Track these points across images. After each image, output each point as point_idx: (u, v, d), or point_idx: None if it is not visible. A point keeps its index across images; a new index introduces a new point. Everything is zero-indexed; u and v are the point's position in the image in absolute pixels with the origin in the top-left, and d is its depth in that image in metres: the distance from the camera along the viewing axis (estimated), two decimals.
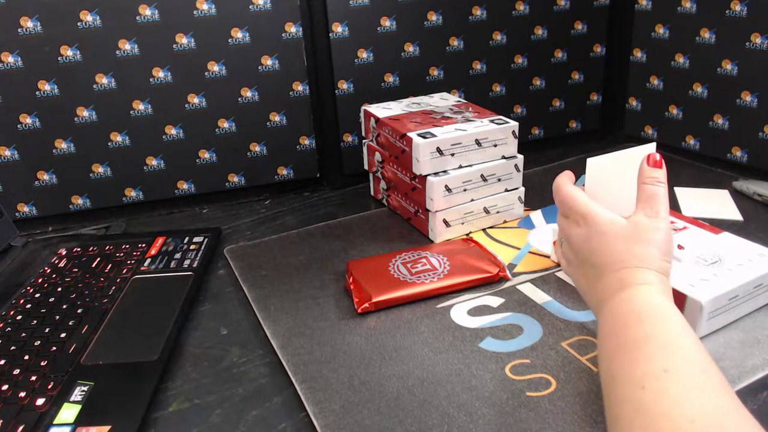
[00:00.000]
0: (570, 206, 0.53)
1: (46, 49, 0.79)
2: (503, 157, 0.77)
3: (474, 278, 0.65)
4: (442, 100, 0.88)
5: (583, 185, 0.57)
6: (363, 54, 0.91)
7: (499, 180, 0.77)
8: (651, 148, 0.56)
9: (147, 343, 0.58)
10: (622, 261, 0.48)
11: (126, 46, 0.81)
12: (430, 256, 0.69)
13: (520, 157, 0.78)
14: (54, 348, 0.58)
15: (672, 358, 0.40)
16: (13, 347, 0.58)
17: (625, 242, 0.48)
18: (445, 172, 0.74)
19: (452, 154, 0.74)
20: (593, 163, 0.57)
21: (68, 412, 0.49)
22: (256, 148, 0.92)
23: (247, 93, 0.88)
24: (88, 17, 0.79)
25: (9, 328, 0.61)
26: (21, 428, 0.48)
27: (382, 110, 0.84)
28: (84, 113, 0.83)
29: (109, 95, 0.83)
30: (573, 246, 0.53)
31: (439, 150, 0.73)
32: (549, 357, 0.54)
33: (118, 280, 0.69)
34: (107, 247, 0.77)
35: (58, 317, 0.62)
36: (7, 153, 0.82)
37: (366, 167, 0.90)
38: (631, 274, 0.47)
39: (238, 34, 0.85)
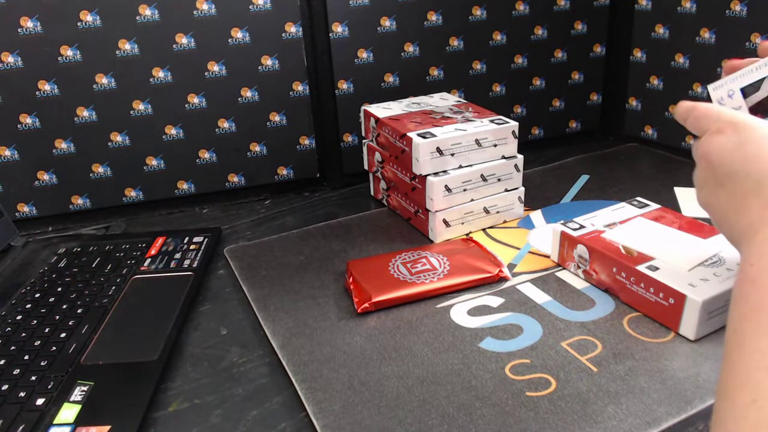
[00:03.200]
0: (713, 118, 0.45)
1: (46, 49, 0.79)
2: (503, 157, 0.77)
3: (474, 278, 0.65)
4: (442, 100, 0.88)
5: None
6: (363, 54, 0.91)
7: (499, 180, 0.77)
8: None
9: (147, 343, 0.58)
10: None
11: (126, 46, 0.81)
12: (430, 256, 0.69)
13: (520, 157, 0.78)
14: (54, 348, 0.58)
15: None
16: (13, 347, 0.58)
17: None
18: (445, 172, 0.74)
19: (452, 154, 0.74)
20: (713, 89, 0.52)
21: (68, 412, 0.49)
22: (256, 148, 0.92)
23: (247, 93, 0.88)
24: (88, 17, 0.79)
25: (9, 328, 0.61)
26: (21, 428, 0.48)
27: (382, 110, 0.84)
28: (84, 113, 0.83)
29: (109, 95, 0.83)
30: (713, 161, 0.43)
31: (439, 150, 0.73)
32: (549, 357, 0.54)
33: (118, 280, 0.69)
34: (107, 247, 0.77)
35: (58, 317, 0.62)
36: (7, 153, 0.82)
37: (366, 167, 0.90)
38: None
39: (238, 34, 0.85)
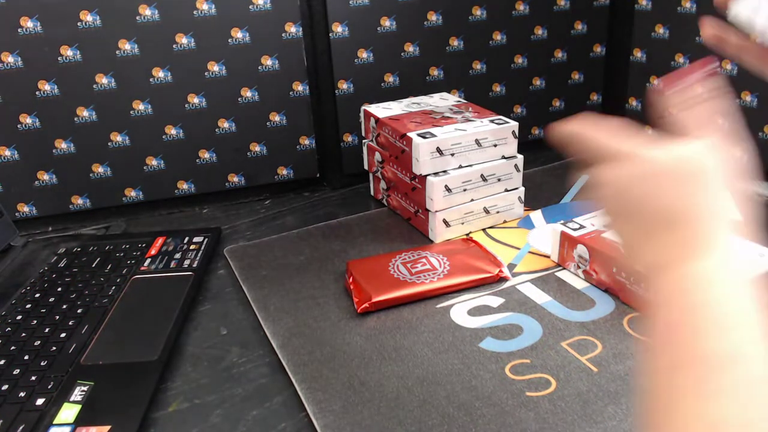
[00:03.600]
0: (609, 147, 0.40)
1: (46, 49, 0.79)
2: (503, 157, 0.77)
3: (474, 278, 0.65)
4: (442, 100, 0.88)
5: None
6: (363, 54, 0.91)
7: (499, 180, 0.77)
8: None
9: (147, 343, 0.58)
10: (684, 211, 0.35)
11: (126, 46, 0.81)
12: (430, 256, 0.69)
13: (520, 157, 0.78)
14: (54, 348, 0.58)
15: None
16: (13, 347, 0.58)
17: (681, 184, 0.35)
18: (445, 172, 0.74)
19: (452, 154, 0.74)
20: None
21: (68, 412, 0.49)
22: (256, 148, 0.92)
23: (247, 93, 0.88)
24: (88, 17, 0.79)
25: (9, 328, 0.61)
26: (21, 428, 0.48)
27: (382, 110, 0.84)
28: (84, 113, 0.83)
29: (109, 95, 0.83)
30: (618, 192, 0.39)
31: (439, 150, 0.73)
32: (549, 357, 0.54)
33: (118, 280, 0.69)
34: (107, 247, 0.77)
35: (58, 317, 0.62)
36: (7, 153, 0.82)
37: (366, 167, 0.90)
38: (696, 233, 0.34)
39: (238, 34, 0.85)
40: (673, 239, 0.35)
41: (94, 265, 0.73)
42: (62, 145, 0.84)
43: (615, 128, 0.40)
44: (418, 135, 0.73)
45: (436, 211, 0.74)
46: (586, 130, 0.41)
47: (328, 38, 0.89)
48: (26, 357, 0.56)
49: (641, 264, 0.38)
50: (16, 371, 0.55)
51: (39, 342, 0.59)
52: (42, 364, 0.55)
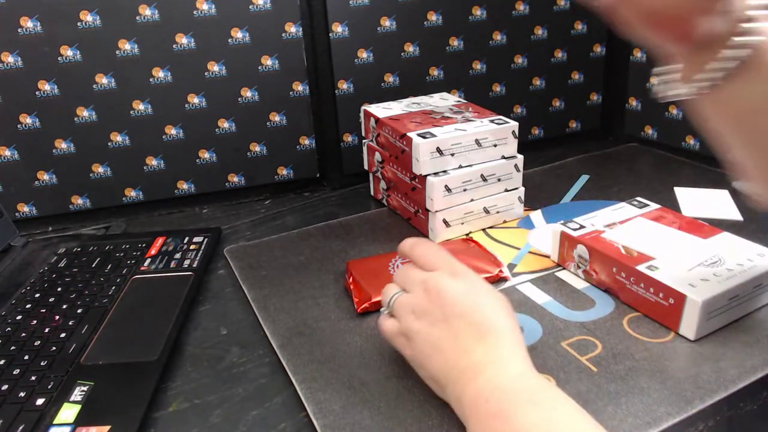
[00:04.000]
0: (444, 258, 0.51)
1: (45, 49, 0.79)
2: (503, 157, 0.77)
3: None
4: (442, 100, 0.88)
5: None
6: (363, 54, 0.91)
7: (499, 180, 0.77)
8: None
9: (147, 343, 0.58)
10: (498, 327, 0.46)
11: (126, 46, 0.81)
12: None
13: (520, 157, 0.78)
14: (54, 348, 0.58)
15: None
16: (13, 347, 0.58)
17: (498, 305, 0.47)
18: (445, 172, 0.74)
19: (452, 154, 0.74)
20: None
21: (68, 412, 0.49)
22: (256, 148, 0.92)
23: (247, 93, 0.88)
24: (88, 17, 0.79)
25: (9, 328, 0.61)
26: (21, 428, 0.48)
27: (382, 110, 0.84)
28: (84, 113, 0.83)
29: (109, 95, 0.83)
30: (445, 298, 0.47)
31: (439, 150, 0.73)
32: (549, 357, 0.54)
33: (117, 280, 0.69)
34: (107, 247, 0.77)
35: (58, 317, 0.62)
36: (7, 153, 0.82)
37: (366, 167, 0.90)
38: (506, 343, 0.45)
39: (238, 34, 0.85)
40: (485, 347, 0.44)
41: (94, 265, 0.73)
42: (62, 145, 0.84)
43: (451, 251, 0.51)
44: (418, 135, 0.73)
45: (436, 211, 0.74)
46: (422, 241, 0.52)
47: (328, 38, 0.89)
48: (26, 357, 0.57)
49: (449, 371, 0.45)
50: (16, 371, 0.55)
51: (39, 342, 0.59)
52: (42, 364, 0.55)
